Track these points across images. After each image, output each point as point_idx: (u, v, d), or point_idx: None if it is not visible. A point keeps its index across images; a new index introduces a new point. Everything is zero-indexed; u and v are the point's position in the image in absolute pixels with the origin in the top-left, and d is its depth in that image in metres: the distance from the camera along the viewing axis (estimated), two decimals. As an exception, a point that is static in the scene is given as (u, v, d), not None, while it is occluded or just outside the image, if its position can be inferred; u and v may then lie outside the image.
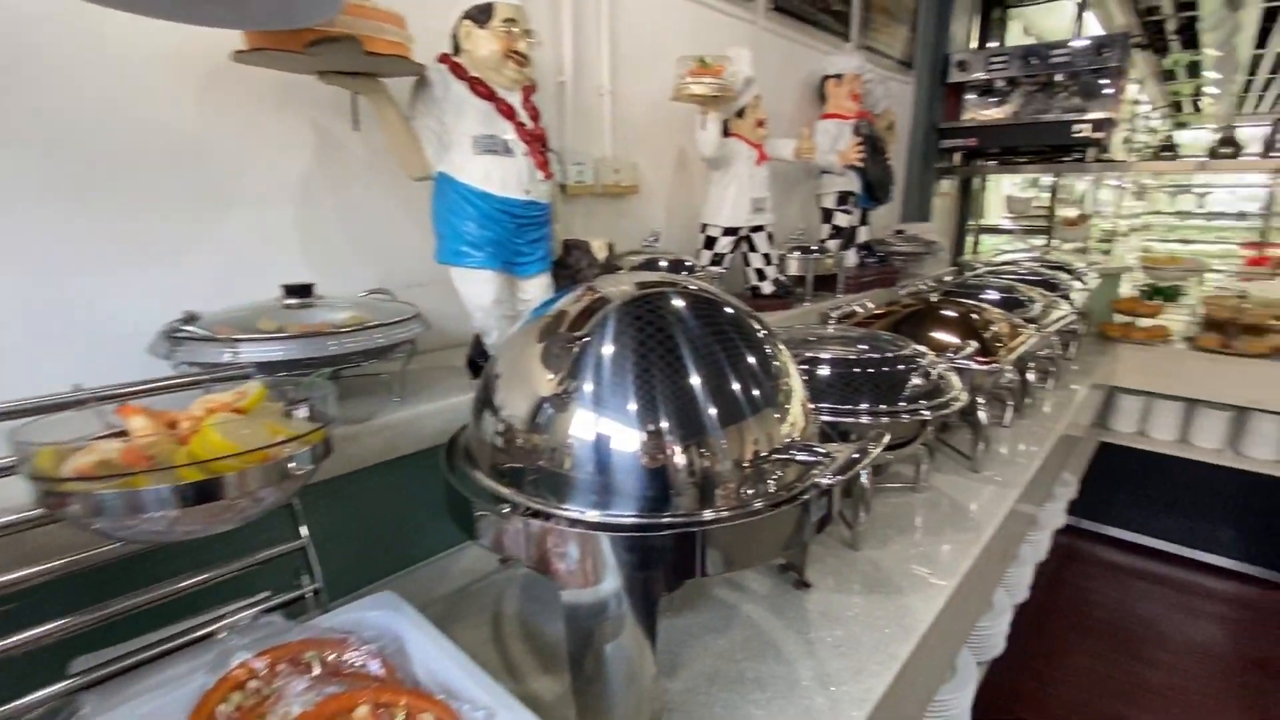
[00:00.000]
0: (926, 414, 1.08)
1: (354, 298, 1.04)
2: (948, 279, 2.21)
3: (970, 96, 3.26)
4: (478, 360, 1.13)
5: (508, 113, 1.04)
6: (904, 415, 1.07)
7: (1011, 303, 1.77)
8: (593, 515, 0.65)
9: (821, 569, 1.03)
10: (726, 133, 1.69)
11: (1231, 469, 2.56)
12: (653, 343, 0.73)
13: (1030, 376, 1.71)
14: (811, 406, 0.83)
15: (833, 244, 2.23)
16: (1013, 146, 3.06)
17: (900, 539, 1.12)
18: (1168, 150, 2.66)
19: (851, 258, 2.33)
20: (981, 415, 1.37)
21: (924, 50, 2.99)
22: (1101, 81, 2.85)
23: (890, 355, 1.15)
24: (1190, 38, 3.90)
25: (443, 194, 1.03)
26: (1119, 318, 2.70)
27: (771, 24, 2.14)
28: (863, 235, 2.35)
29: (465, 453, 0.79)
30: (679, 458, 0.66)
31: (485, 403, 0.76)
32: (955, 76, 3.07)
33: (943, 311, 1.51)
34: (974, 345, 1.24)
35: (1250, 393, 2.43)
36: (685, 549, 0.64)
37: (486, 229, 1.03)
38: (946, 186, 3.51)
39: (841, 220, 2.25)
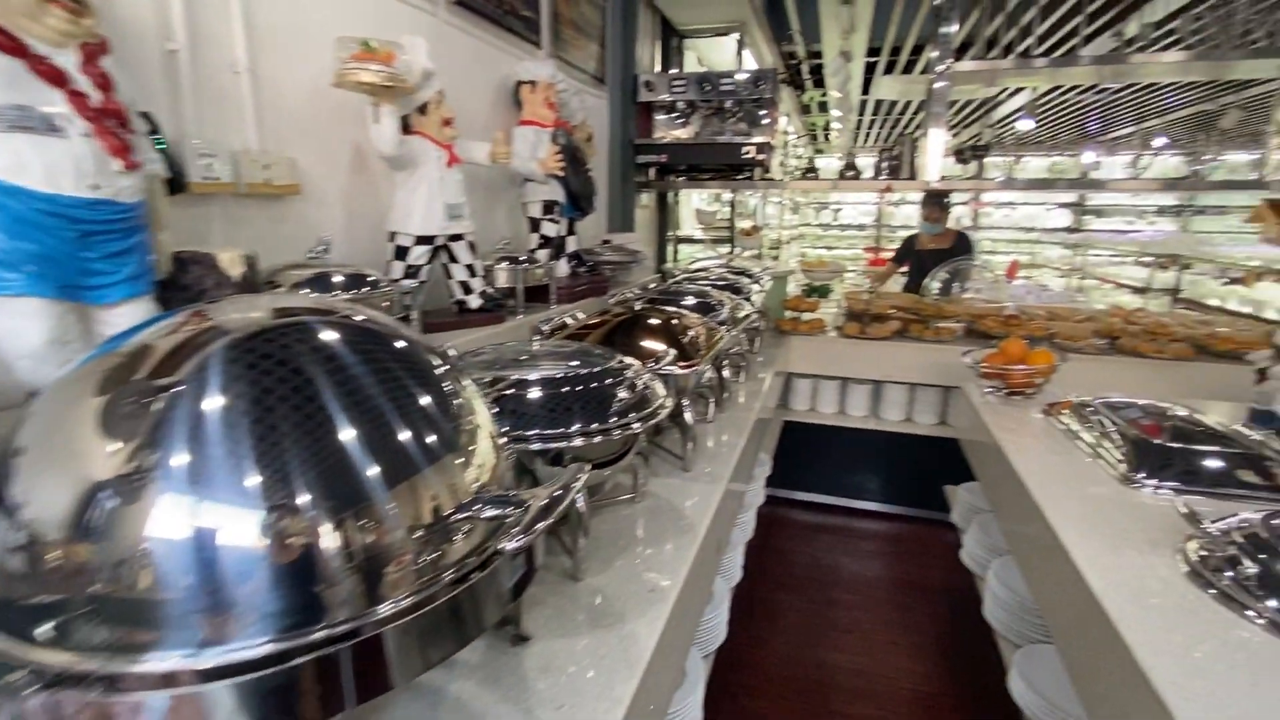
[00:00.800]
0: (636, 427, 1.05)
1: None
2: (652, 286, 2.31)
3: (660, 116, 3.52)
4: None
5: (51, 76, 0.74)
6: (615, 432, 1.03)
7: (705, 307, 1.89)
8: (200, 660, 0.45)
9: (542, 612, 0.92)
10: (408, 130, 1.51)
11: (875, 431, 3.15)
12: (283, 390, 0.55)
13: (725, 373, 1.85)
14: (504, 441, 0.72)
15: (542, 254, 2.18)
16: (697, 164, 3.38)
17: (624, 557, 1.07)
18: (811, 172, 3.15)
19: (563, 268, 2.30)
20: (688, 416, 1.41)
21: (614, 68, 3.13)
22: (760, 111, 3.30)
23: (598, 370, 1.10)
24: (819, 79, 4.79)
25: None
26: (789, 314, 3.14)
27: (455, 19, 2.00)
28: (571, 245, 2.34)
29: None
30: (327, 540, 0.49)
31: (-15, 505, 0.50)
32: (644, 96, 3.28)
33: (648, 320, 1.54)
34: (674, 352, 1.25)
35: (882, 369, 3.02)
36: (346, 669, 0.48)
37: (26, 239, 0.72)
38: (646, 200, 3.75)
39: (549, 230, 2.21)
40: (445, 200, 1.59)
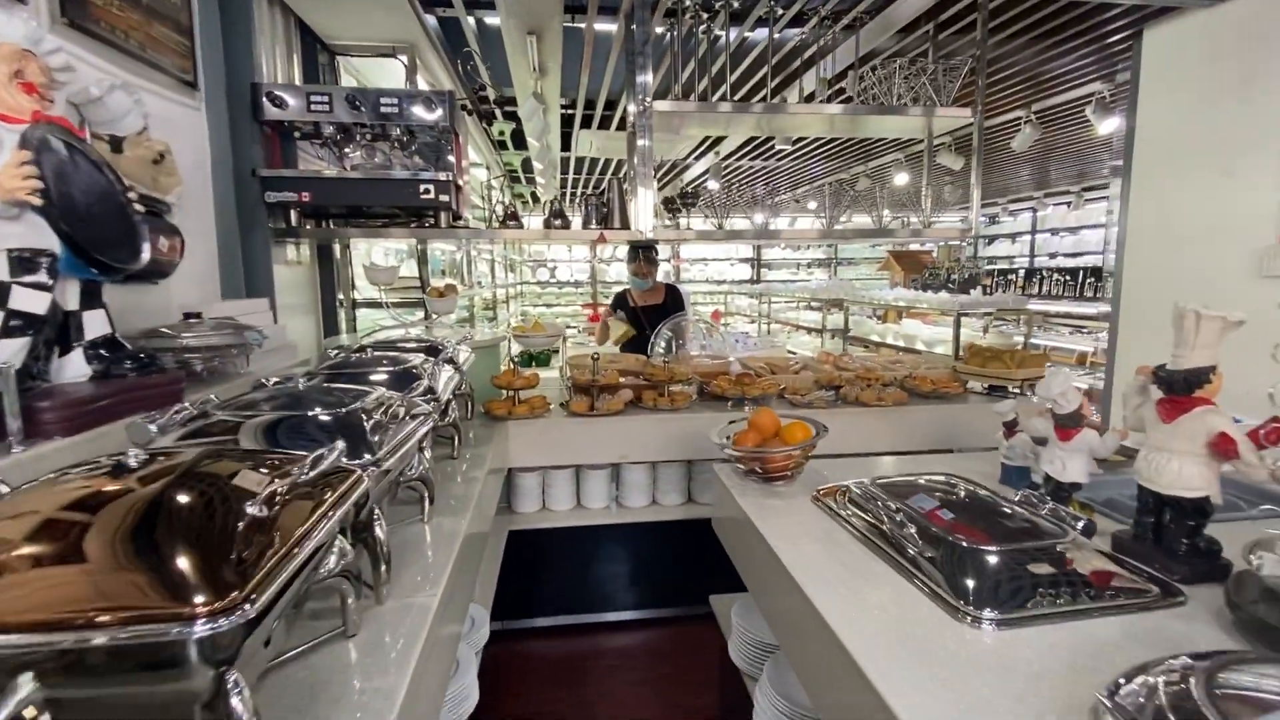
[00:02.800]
0: None
1: None
2: (270, 383, 1.43)
3: (306, 144, 2.63)
4: None
5: None
6: None
7: (343, 425, 1.10)
8: None
9: None
10: None
11: (617, 526, 2.60)
12: None
13: (381, 533, 1.06)
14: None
15: (11, 345, 1.17)
16: (358, 206, 2.55)
17: None
18: (513, 219, 2.55)
19: (75, 367, 1.30)
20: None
21: (212, 70, 2.18)
22: (442, 142, 2.63)
23: None
24: (513, 113, 4.31)
25: None
26: (505, 393, 2.46)
27: None
28: (95, 326, 1.35)
29: None
30: None
31: None
32: (273, 114, 2.37)
33: (174, 493, 0.70)
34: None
35: (620, 448, 2.49)
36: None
37: None
38: (296, 254, 2.78)
39: (25, 301, 1.20)
40: None
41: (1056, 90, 4.98)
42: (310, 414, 1.12)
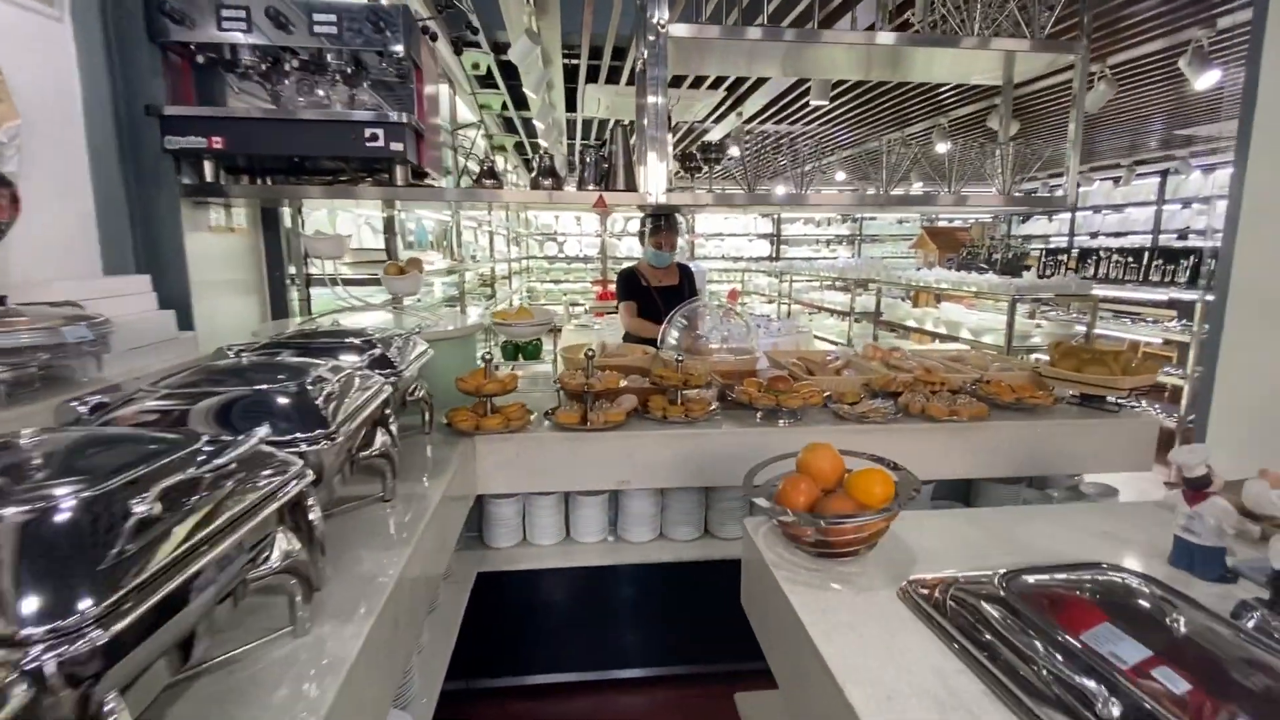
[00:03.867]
0: None
1: None
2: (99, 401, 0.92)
3: (243, 82, 2.08)
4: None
5: None
6: None
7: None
8: None
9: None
10: None
11: (610, 567, 2.08)
12: None
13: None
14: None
15: None
16: (288, 155, 2.00)
17: None
18: (491, 177, 1.99)
19: None
20: None
21: (78, -35, 1.63)
22: (399, 77, 2.07)
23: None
24: (498, 46, 3.70)
25: None
26: (469, 401, 1.93)
27: None
28: None
29: None
30: None
31: None
32: (175, 33, 1.81)
33: None
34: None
35: (620, 471, 1.96)
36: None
37: None
38: (222, 218, 2.24)
39: None
40: None
41: (1135, 40, 4.29)
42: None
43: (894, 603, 1.06)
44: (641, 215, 3.19)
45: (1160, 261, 5.09)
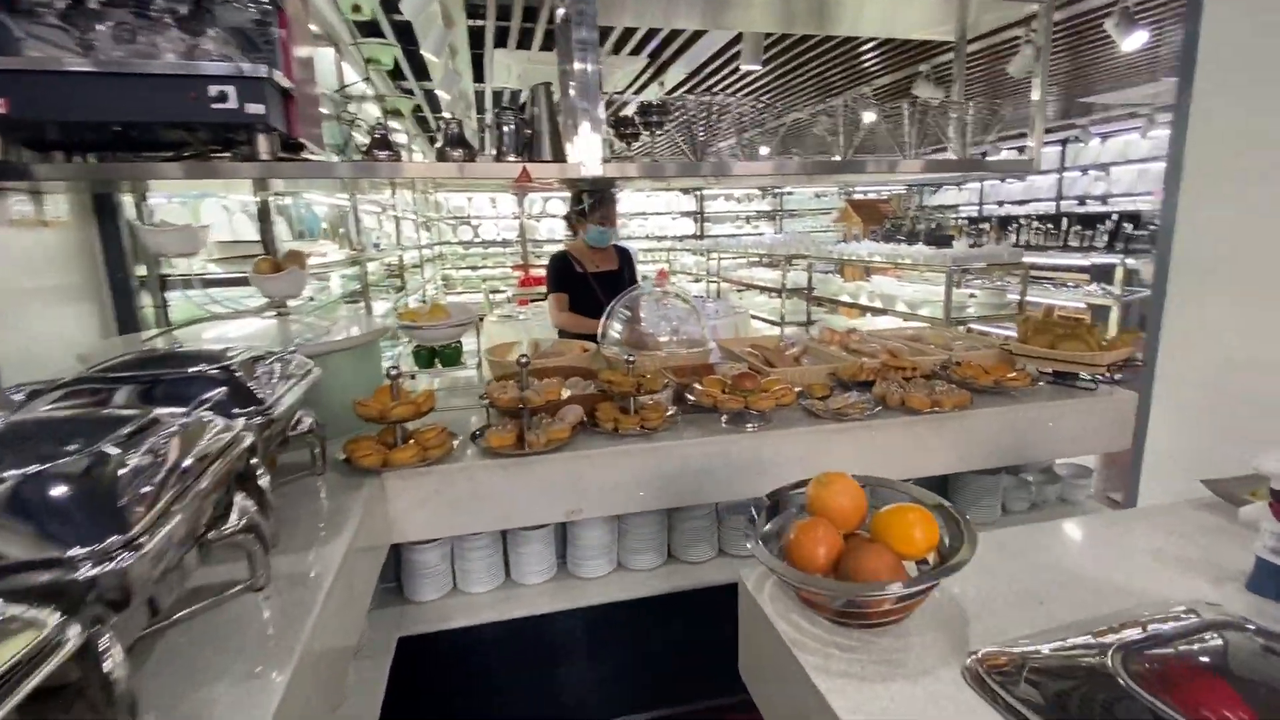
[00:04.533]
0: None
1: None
2: None
3: (16, 18, 1.56)
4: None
5: None
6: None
7: None
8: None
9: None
10: None
11: (562, 611, 1.76)
12: None
13: None
14: None
15: None
16: (106, 123, 1.52)
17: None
18: (383, 147, 1.58)
19: None
20: None
21: None
22: (257, 24, 1.62)
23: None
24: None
25: None
26: (373, 428, 1.55)
27: None
28: None
29: None
30: None
31: None
32: (-81, -46, 1.30)
33: None
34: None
35: (568, 500, 1.64)
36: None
37: None
38: (35, 208, 1.73)
39: None
40: None
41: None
42: None
43: (962, 689, 0.80)
44: (573, 192, 2.84)
45: (1079, 227, 5.19)
